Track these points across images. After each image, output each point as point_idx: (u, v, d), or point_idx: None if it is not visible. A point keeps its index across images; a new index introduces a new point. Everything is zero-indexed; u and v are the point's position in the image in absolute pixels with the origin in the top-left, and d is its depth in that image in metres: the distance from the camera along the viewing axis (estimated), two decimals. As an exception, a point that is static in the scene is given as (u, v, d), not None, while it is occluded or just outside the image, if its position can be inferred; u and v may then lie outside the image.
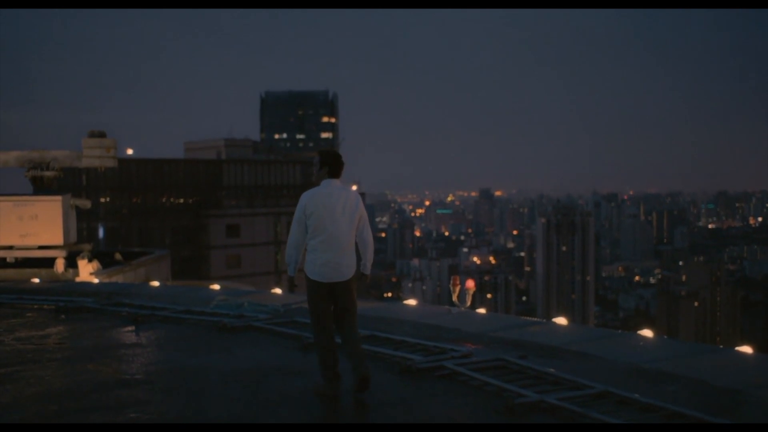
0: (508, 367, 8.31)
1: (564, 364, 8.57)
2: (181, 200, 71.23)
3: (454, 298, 12.64)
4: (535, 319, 12.18)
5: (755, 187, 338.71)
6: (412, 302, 13.50)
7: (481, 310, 12.75)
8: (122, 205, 66.81)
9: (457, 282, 12.67)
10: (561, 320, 11.55)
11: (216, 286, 15.85)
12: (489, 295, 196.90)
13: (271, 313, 11.67)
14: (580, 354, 9.16)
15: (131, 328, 10.99)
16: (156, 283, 16.70)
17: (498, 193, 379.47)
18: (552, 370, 7.97)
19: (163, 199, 70.14)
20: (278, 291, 15.01)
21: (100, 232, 61.88)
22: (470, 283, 12.63)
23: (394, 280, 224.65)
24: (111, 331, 10.79)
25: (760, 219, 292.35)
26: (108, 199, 65.51)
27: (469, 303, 12.59)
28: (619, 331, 11.35)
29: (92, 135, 21.97)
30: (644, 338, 10.30)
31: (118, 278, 20.62)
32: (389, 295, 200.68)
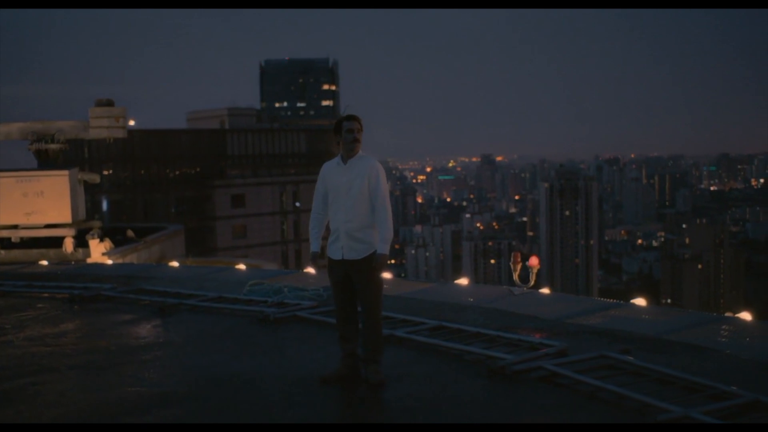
0: (616, 367, 7.00)
1: (676, 360, 7.26)
2: (186, 171, 69.69)
3: (515, 276, 11.31)
4: (610, 300, 10.83)
5: (757, 148, 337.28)
6: (463, 281, 12.22)
7: (545, 290, 11.43)
8: (126, 178, 65.34)
9: (519, 259, 11.34)
10: (640, 301, 10.31)
11: (242, 266, 14.53)
12: (492, 261, 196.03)
13: (315, 299, 10.31)
14: (690, 346, 7.84)
15: (158, 321, 9.61)
16: (176, 264, 15.34)
17: (499, 159, 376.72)
18: (669, 370, 6.67)
19: (167, 171, 68.58)
20: (311, 270, 13.64)
21: (104, 205, 60.44)
22: (534, 261, 11.27)
23: (396, 247, 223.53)
24: (136, 325, 9.41)
25: (762, 180, 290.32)
26: (111, 172, 64.01)
27: (532, 282, 11.25)
28: (714, 314, 10.03)
29: (99, 104, 20.37)
30: (750, 324, 8.99)
31: (132, 258, 19.25)
32: (392, 261, 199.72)
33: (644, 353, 7.43)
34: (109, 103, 20.48)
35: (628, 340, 8.05)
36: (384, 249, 6.29)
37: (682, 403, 5.88)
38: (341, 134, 6.38)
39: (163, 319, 9.66)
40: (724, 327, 8.84)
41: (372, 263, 6.32)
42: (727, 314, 10.28)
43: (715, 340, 8.14)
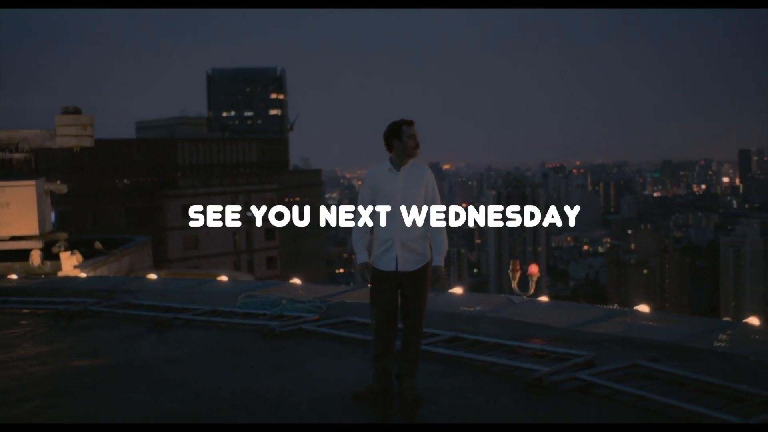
0: (651, 376, 6.84)
1: (708, 366, 7.14)
2: (135, 181, 68.45)
3: (515, 285, 11.16)
4: (614, 307, 10.75)
5: (699, 155, 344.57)
6: (457, 290, 12.02)
7: (544, 298, 11.28)
8: (74, 188, 63.78)
9: (518, 267, 11.23)
10: (643, 308, 10.23)
11: (223, 278, 14.10)
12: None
13: (315, 312, 9.97)
14: (713, 353, 7.77)
15: (155, 337, 9.16)
16: (153, 276, 14.84)
17: (446, 167, 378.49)
18: (707, 378, 6.53)
19: (117, 181, 67.28)
20: (297, 281, 13.30)
21: (52, 217, 58.93)
22: (533, 269, 11.17)
23: (345, 255, 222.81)
24: (134, 342, 8.94)
25: (704, 186, 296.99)
26: (59, 183, 62.49)
27: (532, 291, 11.10)
28: (724, 319, 9.99)
29: (66, 111, 19.74)
30: (759, 329, 8.96)
31: (102, 270, 18.65)
32: (341, 271, 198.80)
33: (671, 360, 7.32)
34: (76, 111, 19.81)
35: (649, 347, 7.91)
36: (441, 261, 6.02)
37: (733, 412, 5.73)
38: (400, 139, 6.00)
39: (160, 335, 9.22)
40: (737, 333, 8.79)
41: (425, 274, 6.05)
42: (726, 319, 10.27)
43: (735, 346, 8.09)
